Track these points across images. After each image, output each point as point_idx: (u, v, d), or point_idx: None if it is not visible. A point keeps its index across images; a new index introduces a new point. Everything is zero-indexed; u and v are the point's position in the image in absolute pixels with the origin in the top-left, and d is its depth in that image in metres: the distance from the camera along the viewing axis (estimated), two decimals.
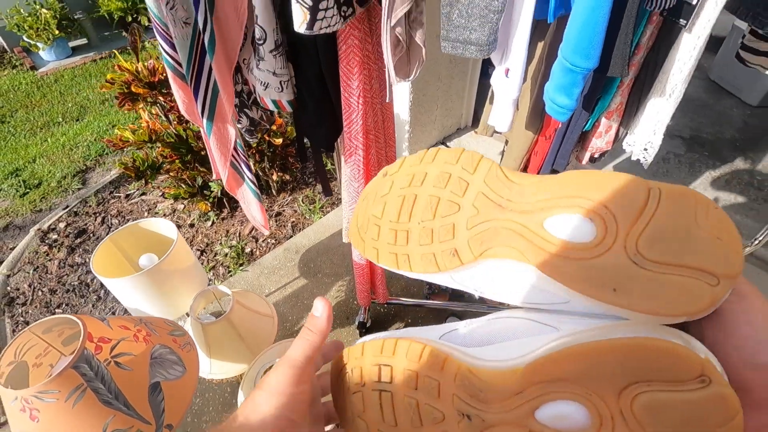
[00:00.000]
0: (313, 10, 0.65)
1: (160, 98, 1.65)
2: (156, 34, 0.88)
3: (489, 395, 0.26)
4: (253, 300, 1.27)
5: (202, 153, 1.79)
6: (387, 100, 0.77)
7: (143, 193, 2.26)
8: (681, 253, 0.24)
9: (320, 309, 0.34)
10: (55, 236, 2.09)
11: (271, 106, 0.95)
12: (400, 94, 1.95)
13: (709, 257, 0.23)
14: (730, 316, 0.24)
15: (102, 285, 1.84)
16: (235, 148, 1.09)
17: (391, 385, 0.29)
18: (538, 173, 0.94)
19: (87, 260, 1.96)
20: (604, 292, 0.24)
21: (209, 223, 2.03)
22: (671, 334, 0.24)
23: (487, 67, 2.19)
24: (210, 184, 1.89)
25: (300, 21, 0.66)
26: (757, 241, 1.36)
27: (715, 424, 0.21)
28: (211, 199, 1.96)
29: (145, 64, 1.57)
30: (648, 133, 0.75)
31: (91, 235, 2.09)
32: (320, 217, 2.03)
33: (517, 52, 0.65)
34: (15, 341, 0.79)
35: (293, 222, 2.04)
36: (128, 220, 2.13)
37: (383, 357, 0.30)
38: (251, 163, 1.82)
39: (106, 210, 2.21)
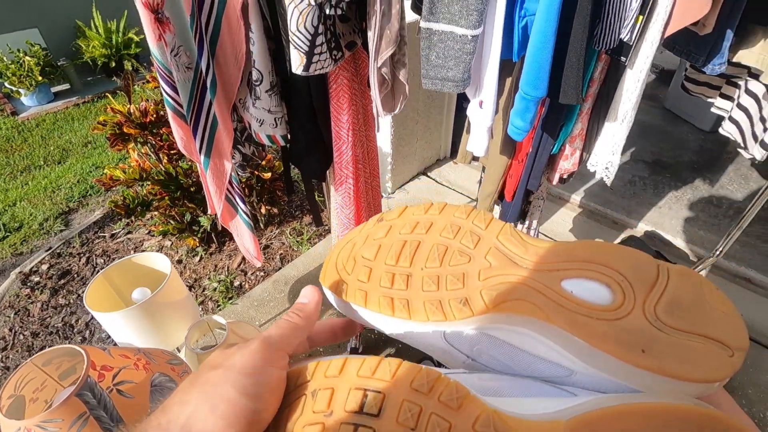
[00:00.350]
0: (309, 55, 0.74)
1: (151, 138, 1.71)
2: (159, 78, 0.96)
3: None
4: (246, 329, 1.29)
5: (192, 189, 1.83)
6: (378, 131, 0.85)
7: (129, 232, 2.26)
8: (698, 323, 0.24)
9: (309, 295, 0.30)
10: (37, 278, 2.06)
11: (266, 141, 1.03)
12: (382, 129, 2.06)
13: (722, 329, 0.24)
14: None
15: (87, 325, 1.81)
16: (230, 182, 1.14)
17: (377, 419, 0.22)
18: (513, 194, 1.03)
19: (71, 301, 1.93)
20: (632, 353, 0.24)
21: (197, 258, 2.04)
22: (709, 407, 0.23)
23: (461, 102, 2.34)
24: (199, 219, 1.92)
25: (297, 64, 0.74)
26: (718, 252, 1.47)
27: None
28: (199, 235, 1.99)
29: (137, 105, 1.63)
30: (607, 154, 0.85)
31: (76, 275, 2.07)
32: (308, 248, 2.07)
33: (489, 86, 0.74)
34: (16, 374, 0.80)
35: (281, 254, 2.07)
36: (114, 260, 2.12)
37: (374, 380, 0.24)
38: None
39: (91, 250, 2.20)
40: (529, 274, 0.28)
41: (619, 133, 0.81)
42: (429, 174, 2.45)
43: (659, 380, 0.24)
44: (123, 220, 2.33)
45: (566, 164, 0.95)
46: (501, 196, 1.12)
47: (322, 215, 2.12)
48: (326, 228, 2.19)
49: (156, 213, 1.88)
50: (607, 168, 0.87)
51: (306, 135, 1.01)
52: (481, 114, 0.79)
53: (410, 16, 0.92)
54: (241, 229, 1.29)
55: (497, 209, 1.24)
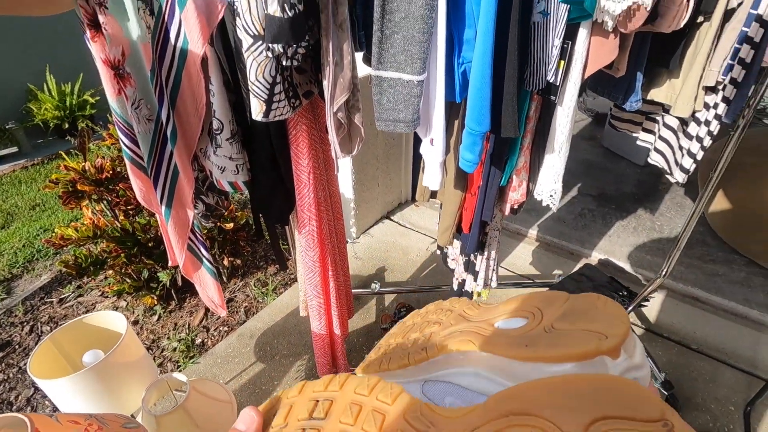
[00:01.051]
0: (268, 102, 0.78)
1: (106, 195, 1.68)
2: (118, 131, 0.97)
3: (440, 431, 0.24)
4: (209, 386, 1.22)
5: (150, 245, 1.78)
6: (337, 172, 0.89)
7: (80, 295, 2.13)
8: (579, 322, 0.29)
9: (247, 421, 0.27)
10: None
11: (228, 188, 1.04)
12: (344, 175, 2.12)
13: (600, 324, 0.28)
14: None
15: (28, 401, 1.64)
16: (192, 230, 1.13)
17: (323, 421, 0.26)
18: (470, 226, 1.08)
19: (10, 375, 1.76)
20: (518, 350, 0.28)
21: (155, 317, 1.94)
22: None
23: (418, 148, 2.46)
24: (158, 275, 1.85)
25: (257, 111, 0.79)
26: (664, 273, 1.57)
27: None
28: (157, 292, 1.90)
29: (93, 162, 1.61)
30: (550, 182, 0.93)
31: (17, 347, 1.90)
32: (274, 299, 2.02)
33: (437, 125, 0.81)
34: None
35: (246, 307, 2.00)
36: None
37: (327, 392, 0.27)
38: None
39: (36, 318, 2.04)
40: (474, 323, 0.35)
41: (558, 163, 0.90)
42: (392, 217, 2.51)
43: (542, 369, 0.27)
44: (73, 282, 2.20)
45: (515, 195, 1.02)
46: (459, 230, 1.17)
47: (287, 263, 2.10)
48: (292, 276, 2.16)
49: (110, 272, 1.80)
50: (551, 196, 0.95)
51: (268, 180, 1.04)
52: (433, 150, 0.85)
53: (363, 70, 1.00)
54: (204, 279, 1.26)
55: (457, 243, 1.29)
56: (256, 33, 0.74)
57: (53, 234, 1.65)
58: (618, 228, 2.37)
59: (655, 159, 1.24)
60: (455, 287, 1.44)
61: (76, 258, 1.66)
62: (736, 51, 0.92)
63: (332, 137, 0.87)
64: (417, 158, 2.51)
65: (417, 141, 2.46)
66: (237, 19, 0.74)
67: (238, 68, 0.92)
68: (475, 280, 1.34)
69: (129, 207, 1.74)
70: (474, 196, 1.03)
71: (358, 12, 0.81)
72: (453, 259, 1.43)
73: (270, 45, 0.72)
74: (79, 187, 1.58)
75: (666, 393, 1.48)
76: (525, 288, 1.91)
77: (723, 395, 1.51)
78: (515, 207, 1.07)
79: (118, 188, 1.68)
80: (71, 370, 1.18)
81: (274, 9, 0.69)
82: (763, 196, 2.07)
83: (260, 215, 1.23)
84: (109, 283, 1.93)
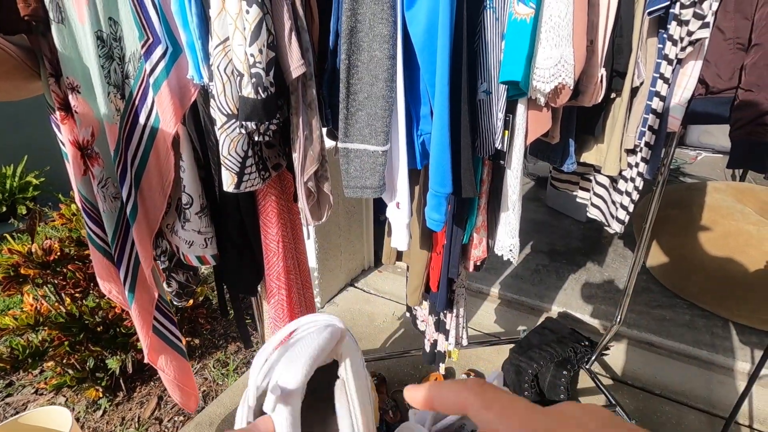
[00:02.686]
0: (240, 174, 0.82)
1: (52, 278, 1.57)
2: (82, 213, 0.95)
3: None
4: None
5: (98, 329, 1.65)
6: (308, 239, 0.91)
7: (9, 395, 1.88)
8: None
9: None
10: None
11: (195, 262, 1.03)
12: (307, 245, 2.13)
13: None
14: None
15: None
16: (159, 308, 1.08)
17: None
18: (437, 284, 1.12)
19: None
20: None
21: (100, 412, 1.74)
22: None
23: (377, 216, 2.55)
24: (107, 362, 1.70)
25: (229, 183, 0.82)
26: (618, 320, 1.66)
27: None
28: (104, 383, 1.73)
29: (40, 244, 1.53)
30: (507, 238, 1.01)
31: None
32: (235, 380, 1.89)
33: (402, 189, 0.88)
34: None
35: (204, 391, 1.85)
36: None
37: None
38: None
39: None
40: None
41: (513, 220, 0.98)
42: (356, 284, 2.50)
43: None
44: (2, 380, 1.95)
45: (477, 252, 1.09)
46: (427, 289, 1.20)
47: (251, 339, 2.00)
48: (255, 353, 2.04)
49: (50, 363, 1.63)
50: (510, 250, 1.02)
51: (237, 250, 1.04)
52: (399, 213, 0.91)
53: (328, 142, 1.07)
54: (179, 365, 1.17)
55: (425, 304, 1.32)
56: (230, 112, 0.79)
57: None
58: (571, 281, 2.50)
59: (593, 213, 1.37)
60: (428, 349, 1.43)
61: (12, 350, 1.50)
62: (645, 120, 1.09)
63: (303, 205, 0.91)
64: (378, 224, 2.58)
65: (377, 208, 2.54)
66: (212, 100, 0.80)
67: (209, 145, 0.96)
68: (447, 339, 1.35)
69: (77, 290, 1.63)
70: (439, 255, 1.08)
71: (325, 93, 0.89)
72: (422, 321, 1.44)
73: (244, 123, 0.77)
74: (22, 271, 1.48)
75: None
76: (494, 346, 1.93)
77: None
78: (478, 263, 1.13)
79: (66, 270, 1.59)
80: None
81: (248, 92, 0.75)
82: (691, 243, 2.30)
83: (224, 290, 1.21)
84: (47, 377, 1.73)
